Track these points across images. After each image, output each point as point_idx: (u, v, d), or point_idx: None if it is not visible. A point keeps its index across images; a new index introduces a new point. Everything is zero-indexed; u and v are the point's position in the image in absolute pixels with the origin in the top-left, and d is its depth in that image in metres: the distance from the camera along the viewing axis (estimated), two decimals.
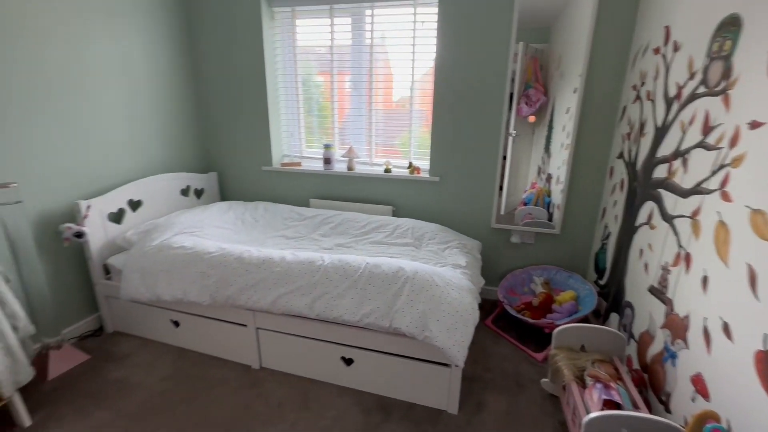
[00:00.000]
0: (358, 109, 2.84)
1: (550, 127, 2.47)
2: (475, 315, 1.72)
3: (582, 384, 1.61)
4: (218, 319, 2.05)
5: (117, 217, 2.33)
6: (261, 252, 1.97)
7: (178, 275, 1.96)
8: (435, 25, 2.41)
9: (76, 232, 2.04)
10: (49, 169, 2.05)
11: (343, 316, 1.74)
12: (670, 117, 1.63)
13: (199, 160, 3.08)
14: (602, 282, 2.29)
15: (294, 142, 3.10)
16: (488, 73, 2.37)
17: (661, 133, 1.70)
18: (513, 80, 2.34)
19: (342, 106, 2.92)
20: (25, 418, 1.65)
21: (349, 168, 2.84)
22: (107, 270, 2.26)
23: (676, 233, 1.51)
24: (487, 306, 2.61)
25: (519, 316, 2.27)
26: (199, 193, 2.96)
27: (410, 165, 2.73)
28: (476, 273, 2.13)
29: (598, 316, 2.30)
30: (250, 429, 1.67)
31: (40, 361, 1.96)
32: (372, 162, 2.92)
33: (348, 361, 1.87)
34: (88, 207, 2.12)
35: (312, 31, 2.81)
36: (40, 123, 2.00)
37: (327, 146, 2.83)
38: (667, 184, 1.61)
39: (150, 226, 2.28)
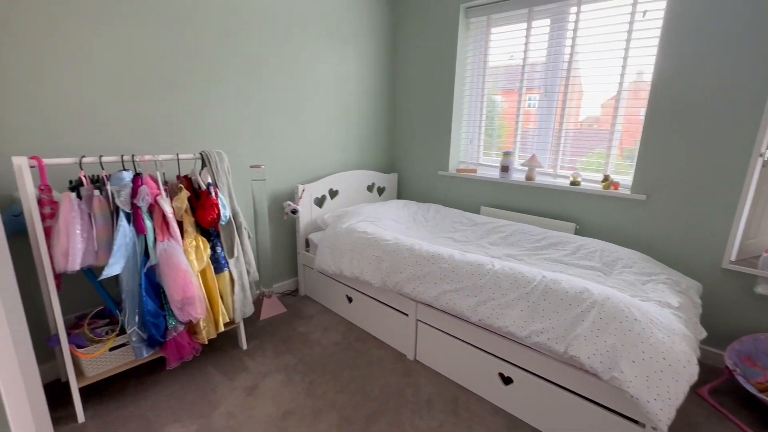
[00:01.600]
0: (546, 123, 2.62)
1: None
2: (691, 370, 1.31)
3: None
4: (384, 304, 2.20)
5: (320, 201, 2.83)
6: (431, 247, 2.02)
7: (359, 255, 2.21)
8: (659, 16, 2.02)
9: (293, 209, 2.56)
10: (282, 158, 2.66)
11: (508, 328, 1.60)
12: None
13: (384, 161, 3.44)
14: None
15: (472, 150, 3.11)
16: (739, 72, 1.82)
17: None
18: None
19: (527, 119, 2.76)
20: (243, 343, 2.15)
21: (528, 178, 2.64)
22: (307, 243, 2.76)
23: None
24: (702, 371, 1.96)
25: (762, 397, 1.62)
26: (381, 191, 3.30)
27: (606, 178, 2.34)
28: (693, 320, 1.63)
29: None
30: (400, 413, 1.71)
31: (257, 303, 2.54)
32: (556, 173, 2.64)
33: (506, 380, 1.71)
34: (303, 190, 2.64)
35: (504, 42, 2.76)
36: (282, 123, 2.61)
37: (506, 154, 2.72)
38: None
39: (341, 212, 2.67)
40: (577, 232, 2.43)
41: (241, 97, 2.37)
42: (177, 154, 1.85)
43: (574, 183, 2.44)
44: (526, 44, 2.64)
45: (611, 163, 2.40)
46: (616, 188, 2.30)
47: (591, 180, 2.46)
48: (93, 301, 1.89)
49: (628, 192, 2.25)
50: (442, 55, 2.94)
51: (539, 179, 2.64)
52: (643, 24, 2.15)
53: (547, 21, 2.55)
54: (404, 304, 2.08)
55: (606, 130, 2.39)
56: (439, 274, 1.87)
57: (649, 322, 1.39)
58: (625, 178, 2.34)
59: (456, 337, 1.88)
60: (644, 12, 2.16)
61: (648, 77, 2.18)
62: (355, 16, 2.89)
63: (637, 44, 2.18)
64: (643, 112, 2.17)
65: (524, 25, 2.63)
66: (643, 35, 2.15)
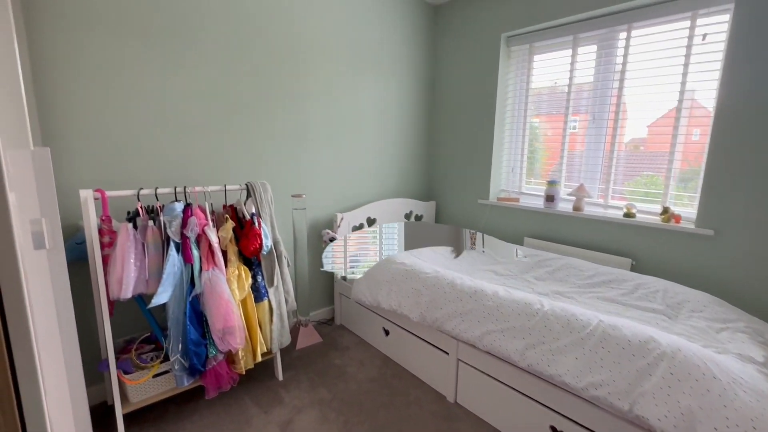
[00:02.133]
0: (595, 152, 2.50)
1: None
2: None
3: None
4: (423, 339, 2.11)
5: (358, 230, 2.82)
6: (473, 282, 1.93)
7: (397, 287, 2.15)
8: (720, 39, 1.90)
9: (331, 237, 2.57)
10: (322, 186, 2.70)
11: (562, 377, 1.47)
12: None
13: (422, 189, 3.41)
14: None
15: (513, 178, 3.01)
16: None
17: None
18: None
19: (572, 146, 2.65)
20: (280, 373, 2.13)
21: (576, 208, 2.50)
22: None
23: None
24: None
25: None
26: (418, 219, 3.26)
27: (665, 211, 2.16)
28: None
29: None
30: None
31: (293, 332, 2.53)
32: (607, 204, 2.48)
33: None
34: (341, 219, 2.65)
35: (548, 69, 2.70)
36: (322, 153, 2.67)
37: (552, 182, 2.60)
38: None
39: None
40: (634, 269, 2.24)
41: (285, 130, 2.45)
42: (225, 185, 1.91)
43: (628, 215, 2.27)
44: (571, 71, 2.56)
45: (670, 194, 2.22)
46: (677, 221, 2.12)
47: (645, 211, 2.28)
48: (140, 325, 1.95)
49: (692, 226, 2.06)
50: (483, 83, 2.92)
51: (588, 210, 2.49)
52: (702, 48, 2.03)
53: (594, 47, 2.48)
54: (444, 342, 1.98)
55: (659, 155, 2.22)
56: (483, 312, 1.77)
57: (731, 381, 1.21)
58: (684, 210, 2.15)
59: (501, 382, 1.75)
60: (704, 35, 2.03)
61: (702, 100, 2.04)
62: (396, 47, 2.96)
63: (695, 68, 2.05)
64: (697, 135, 2.01)
65: (569, 51, 2.56)
66: (703, 59, 2.03)
